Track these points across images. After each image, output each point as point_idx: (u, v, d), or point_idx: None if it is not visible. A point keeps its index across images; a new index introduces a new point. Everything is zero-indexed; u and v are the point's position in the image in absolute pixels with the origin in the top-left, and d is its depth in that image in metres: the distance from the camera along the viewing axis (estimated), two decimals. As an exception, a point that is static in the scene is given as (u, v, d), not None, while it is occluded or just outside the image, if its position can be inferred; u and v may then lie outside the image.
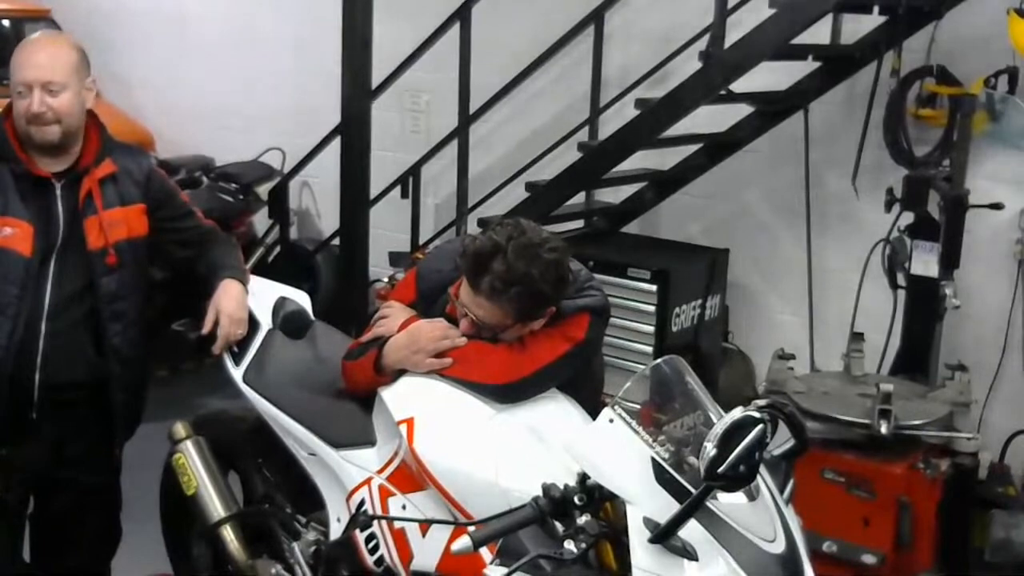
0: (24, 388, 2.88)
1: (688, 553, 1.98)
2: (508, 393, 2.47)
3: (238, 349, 3.09)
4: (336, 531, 2.77)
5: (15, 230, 2.83)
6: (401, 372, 2.60)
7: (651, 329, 4.60)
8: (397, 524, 2.53)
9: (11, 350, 2.83)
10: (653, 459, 2.06)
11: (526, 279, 2.41)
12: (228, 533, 3.06)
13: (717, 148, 4.97)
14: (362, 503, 2.65)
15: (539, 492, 2.09)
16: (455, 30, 5.10)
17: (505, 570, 2.15)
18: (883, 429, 3.58)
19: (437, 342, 2.54)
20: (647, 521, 2.00)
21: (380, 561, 2.58)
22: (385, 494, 2.60)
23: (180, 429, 3.14)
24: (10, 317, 2.82)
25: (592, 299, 2.58)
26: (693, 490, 1.98)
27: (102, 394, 3.00)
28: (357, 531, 2.63)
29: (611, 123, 5.08)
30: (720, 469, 1.90)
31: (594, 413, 2.25)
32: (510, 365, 2.48)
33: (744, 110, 4.81)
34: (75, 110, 2.88)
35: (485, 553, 2.24)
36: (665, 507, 2.00)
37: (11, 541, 3.08)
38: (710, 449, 1.92)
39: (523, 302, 2.45)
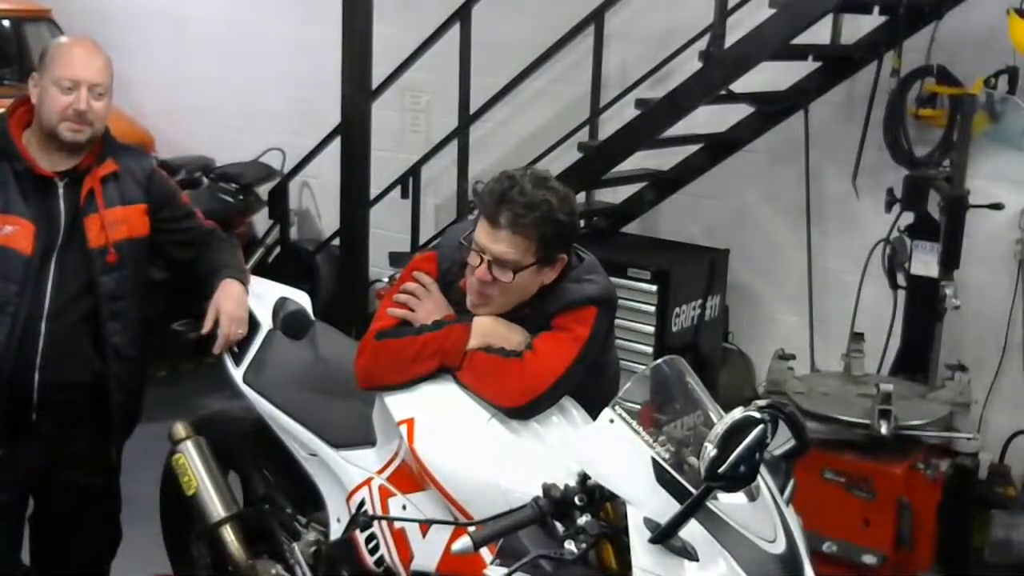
0: (23, 388, 2.88)
1: (688, 553, 1.98)
2: (523, 413, 2.42)
3: (238, 349, 3.09)
4: (336, 531, 2.78)
5: (16, 228, 2.83)
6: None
7: (651, 329, 4.59)
8: (397, 524, 2.53)
9: (10, 349, 2.83)
10: (653, 459, 2.06)
11: (544, 205, 2.41)
12: (228, 533, 3.06)
13: (717, 148, 4.96)
14: (362, 503, 2.66)
15: (539, 492, 2.09)
16: (455, 30, 5.11)
17: (505, 570, 2.15)
18: (883, 429, 3.58)
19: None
20: (647, 521, 2.00)
21: (380, 561, 2.58)
22: (385, 494, 2.60)
23: (180, 429, 3.14)
24: (9, 315, 2.82)
25: (597, 288, 2.54)
26: (693, 490, 1.98)
27: (101, 394, 3.00)
28: (357, 531, 2.63)
29: (611, 123, 5.07)
30: (720, 469, 1.90)
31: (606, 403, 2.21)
32: (524, 382, 2.42)
33: (744, 110, 4.81)
34: (106, 117, 2.92)
35: (485, 553, 2.25)
36: (665, 507, 2.00)
37: (9, 542, 3.08)
38: (710, 449, 1.92)
39: (544, 230, 2.41)
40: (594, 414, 2.16)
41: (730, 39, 4.21)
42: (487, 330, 2.50)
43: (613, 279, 4.42)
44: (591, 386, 2.51)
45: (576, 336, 2.47)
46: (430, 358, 2.50)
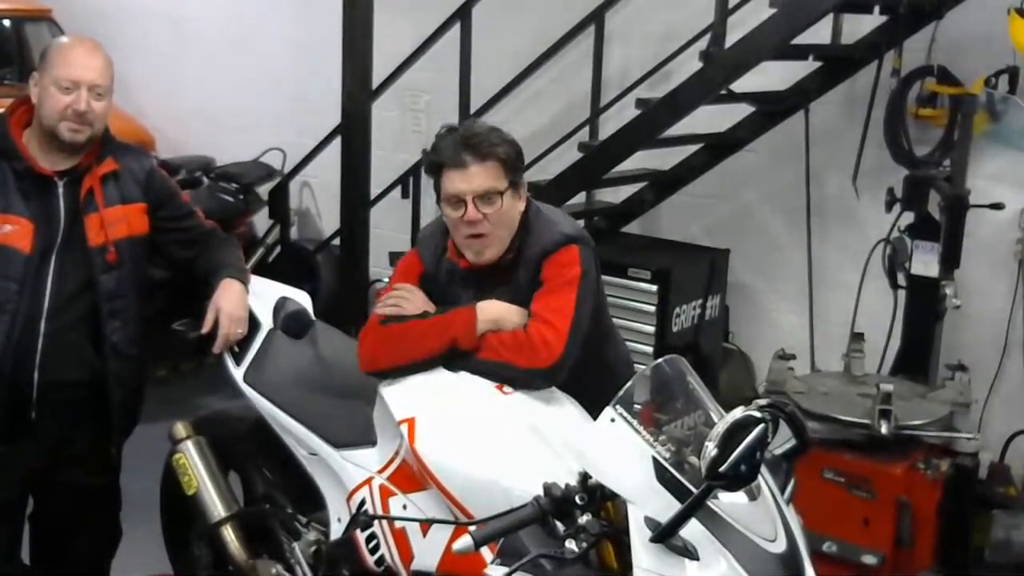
0: (23, 386, 2.89)
1: (689, 552, 1.97)
2: (555, 372, 2.51)
3: (239, 349, 3.09)
4: (337, 531, 2.78)
5: (15, 227, 2.84)
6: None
7: (652, 329, 4.60)
8: (398, 524, 2.53)
9: (9, 348, 2.84)
10: (654, 458, 2.06)
11: (494, 131, 2.64)
12: (228, 533, 3.07)
13: (718, 148, 4.96)
14: (363, 503, 2.66)
15: (540, 491, 2.09)
16: (455, 30, 5.11)
17: (506, 570, 2.15)
18: (883, 429, 3.58)
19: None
20: (648, 520, 2.00)
21: (381, 561, 2.58)
22: (386, 494, 2.60)
23: (180, 429, 3.14)
24: (9, 313, 2.83)
25: (570, 227, 2.67)
26: (694, 490, 1.98)
27: (101, 392, 3.01)
28: (358, 531, 2.63)
29: (611, 123, 5.07)
30: (721, 469, 1.90)
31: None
32: (547, 343, 2.49)
33: (745, 110, 4.81)
34: (106, 118, 2.93)
35: (486, 553, 2.25)
36: (666, 506, 2.00)
37: (9, 542, 3.08)
38: (711, 449, 1.92)
39: (505, 149, 2.60)
40: (598, 408, 2.16)
41: (731, 39, 4.21)
42: (492, 314, 2.58)
43: (614, 279, 4.55)
44: (600, 353, 2.62)
45: (570, 279, 2.58)
46: (439, 336, 2.56)
